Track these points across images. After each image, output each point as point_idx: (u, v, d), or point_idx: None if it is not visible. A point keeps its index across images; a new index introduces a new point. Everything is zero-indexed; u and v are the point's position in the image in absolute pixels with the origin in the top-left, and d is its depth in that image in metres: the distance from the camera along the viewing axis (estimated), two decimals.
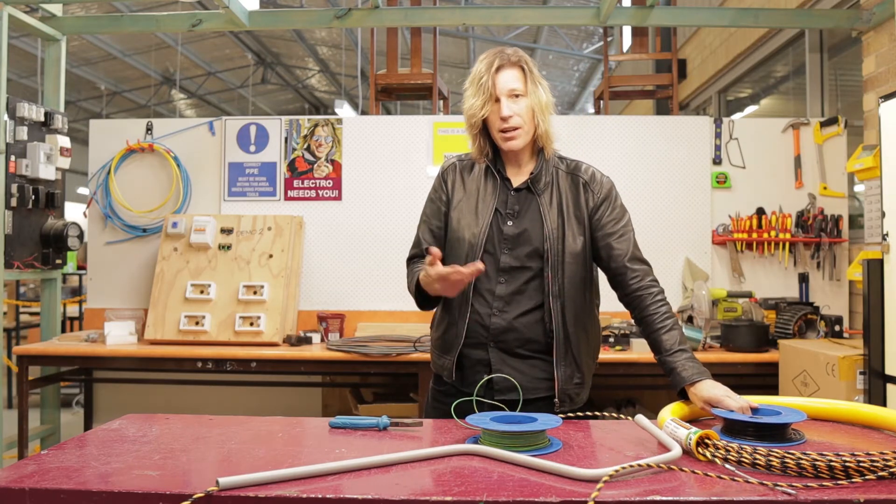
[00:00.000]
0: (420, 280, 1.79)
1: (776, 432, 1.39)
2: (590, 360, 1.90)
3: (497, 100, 1.80)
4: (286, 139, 3.97)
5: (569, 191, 1.87)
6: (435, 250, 1.68)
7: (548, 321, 1.81)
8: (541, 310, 1.82)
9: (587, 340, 1.88)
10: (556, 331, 1.80)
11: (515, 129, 1.81)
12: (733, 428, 1.43)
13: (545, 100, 1.83)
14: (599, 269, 1.92)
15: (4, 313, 5.45)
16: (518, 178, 1.90)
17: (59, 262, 3.84)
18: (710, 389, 1.57)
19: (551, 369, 1.82)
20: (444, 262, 1.89)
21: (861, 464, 1.12)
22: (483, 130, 1.87)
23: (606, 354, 3.16)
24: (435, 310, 1.98)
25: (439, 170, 1.98)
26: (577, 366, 1.85)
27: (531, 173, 1.87)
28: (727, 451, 1.22)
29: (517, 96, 1.80)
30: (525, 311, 1.81)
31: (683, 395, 1.65)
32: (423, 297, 1.87)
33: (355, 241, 3.90)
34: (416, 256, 1.96)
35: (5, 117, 3.48)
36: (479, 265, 1.65)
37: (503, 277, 1.82)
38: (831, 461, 1.13)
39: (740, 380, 3.38)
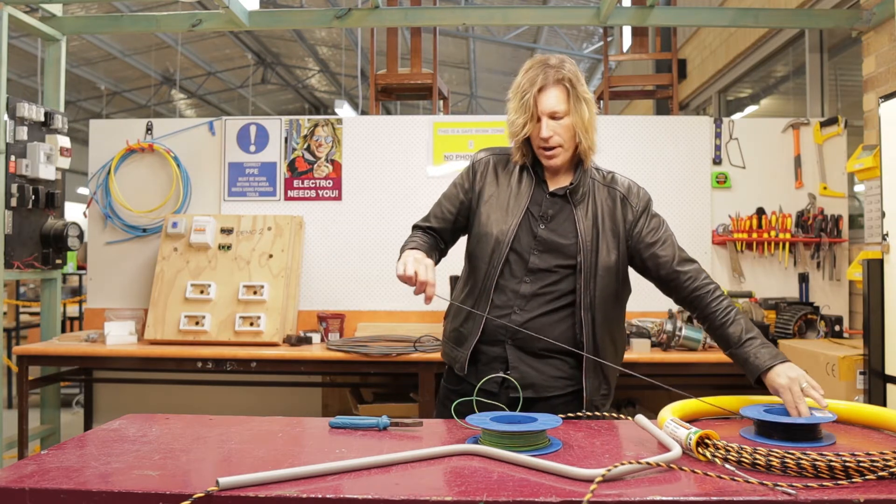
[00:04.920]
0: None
1: (805, 433, 1.38)
2: (615, 371, 1.89)
3: (538, 119, 1.77)
4: (286, 139, 3.97)
5: (605, 203, 1.85)
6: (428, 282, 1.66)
7: (578, 332, 1.80)
8: (562, 312, 1.81)
9: (615, 352, 1.89)
10: (587, 342, 1.79)
11: (555, 147, 1.79)
12: (761, 427, 1.41)
13: (587, 117, 1.79)
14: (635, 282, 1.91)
15: (4, 313, 5.45)
16: (555, 182, 1.87)
17: (59, 262, 3.83)
18: (775, 378, 1.58)
19: (569, 369, 1.83)
20: (471, 256, 1.90)
21: (861, 464, 1.12)
22: (526, 140, 1.85)
23: None
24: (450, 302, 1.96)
25: (471, 159, 1.96)
26: (605, 377, 1.86)
27: (571, 183, 1.84)
28: (727, 451, 1.22)
29: (559, 117, 1.77)
30: (546, 312, 1.80)
31: (760, 384, 1.64)
32: None
33: (355, 241, 3.90)
34: (420, 228, 1.96)
35: (5, 117, 3.48)
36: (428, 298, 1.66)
37: (529, 278, 1.80)
38: (831, 461, 1.13)
39: (741, 379, 3.38)
